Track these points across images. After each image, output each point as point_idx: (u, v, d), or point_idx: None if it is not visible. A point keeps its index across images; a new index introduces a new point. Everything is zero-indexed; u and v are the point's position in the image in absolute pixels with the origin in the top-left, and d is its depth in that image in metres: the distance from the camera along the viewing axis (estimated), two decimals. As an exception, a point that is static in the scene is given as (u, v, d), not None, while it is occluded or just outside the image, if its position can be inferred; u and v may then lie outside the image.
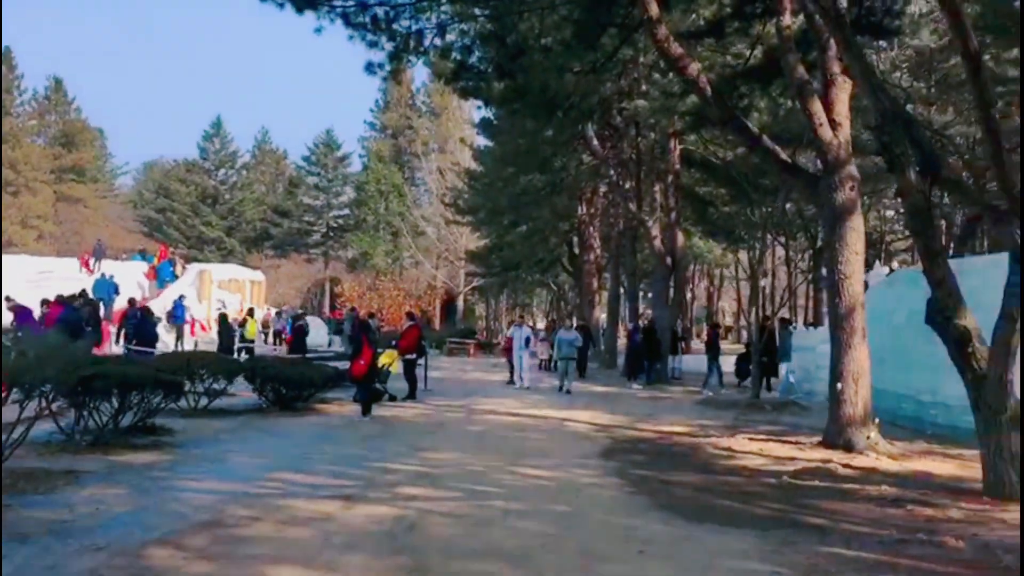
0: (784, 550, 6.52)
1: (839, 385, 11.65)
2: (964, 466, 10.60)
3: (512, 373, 22.57)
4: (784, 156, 12.46)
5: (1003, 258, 14.23)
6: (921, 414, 14.38)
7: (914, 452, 11.57)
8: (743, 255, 51.98)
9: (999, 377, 8.32)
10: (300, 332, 23.55)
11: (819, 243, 41.45)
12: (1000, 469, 8.41)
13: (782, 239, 41.79)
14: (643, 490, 8.93)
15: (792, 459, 10.87)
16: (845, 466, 10.27)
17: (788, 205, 30.51)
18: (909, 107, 28.81)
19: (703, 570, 6.03)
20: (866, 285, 15.13)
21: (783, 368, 20.79)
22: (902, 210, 53.58)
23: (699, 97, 12.82)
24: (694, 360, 30.21)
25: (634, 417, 15.45)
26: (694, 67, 12.48)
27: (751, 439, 12.54)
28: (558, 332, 23.12)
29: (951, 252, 33.04)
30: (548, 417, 15.31)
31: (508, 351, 23.32)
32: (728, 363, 25.04)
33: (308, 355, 21.74)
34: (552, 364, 26.22)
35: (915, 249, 43.42)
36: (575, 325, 24.86)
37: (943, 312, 8.56)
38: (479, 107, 31.82)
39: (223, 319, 24.68)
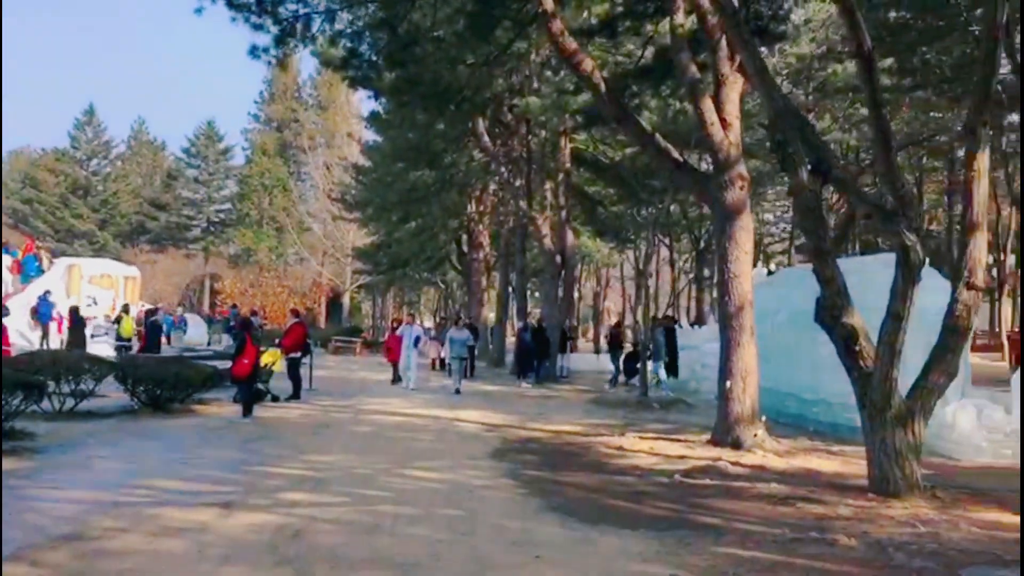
0: (681, 551, 6.40)
1: (728, 383, 11.75)
2: (847, 462, 10.82)
3: (395, 373, 22.16)
4: (676, 155, 12.48)
5: (881, 258, 14.70)
6: (803, 411, 14.71)
7: (799, 449, 11.76)
8: (629, 255, 52.99)
9: (884, 375, 8.46)
10: (153, 329, 22.31)
11: (702, 244, 42.62)
12: (885, 466, 8.55)
13: (667, 240, 42.65)
14: (536, 491, 8.72)
15: (683, 457, 10.87)
16: (734, 464, 10.32)
17: (673, 206, 31.16)
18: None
19: (602, 573, 5.84)
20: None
21: (655, 367, 21.09)
22: (780, 213, 55.58)
23: (593, 93, 12.73)
24: (582, 359, 30.46)
25: (524, 416, 15.29)
26: (588, 63, 12.38)
27: (641, 438, 12.53)
28: (448, 331, 22.50)
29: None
30: (437, 417, 14.99)
31: (390, 351, 22.58)
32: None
33: (186, 353, 20.76)
34: (441, 364, 25.82)
35: (791, 251, 45.00)
36: (464, 323, 24.37)
37: (831, 311, 8.65)
38: (369, 96, 31.16)
39: (74, 312, 23.20)
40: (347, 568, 5.88)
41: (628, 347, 26.11)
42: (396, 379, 21.84)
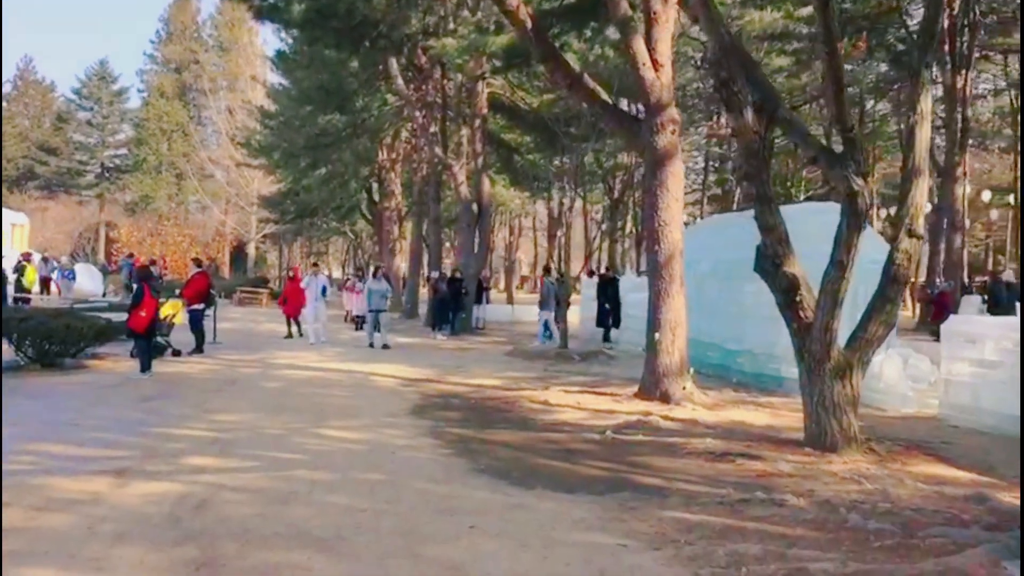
0: (625, 516, 5.96)
1: (657, 335, 11.37)
2: (776, 415, 10.62)
3: (289, 327, 20.88)
4: (605, 96, 11.93)
5: (813, 206, 14.49)
6: (727, 362, 14.53)
7: (727, 402, 11.52)
8: (542, 205, 52.79)
9: (825, 326, 8.15)
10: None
11: (616, 194, 42.45)
12: (822, 419, 8.28)
13: (580, 190, 42.27)
14: (462, 451, 8.17)
15: (611, 412, 10.48)
16: (665, 418, 9.97)
17: (587, 157, 30.72)
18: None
19: (544, 546, 5.32)
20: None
21: (541, 317, 20.82)
22: (691, 164, 55.87)
23: (519, 30, 12.00)
24: (497, 310, 30.00)
25: (442, 370, 14.74)
26: (514, -4, 11.64)
27: (566, 391, 12.09)
28: (367, 281, 20.95)
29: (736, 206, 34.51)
30: (351, 371, 14.30)
31: (287, 302, 20.93)
32: (530, 313, 24.84)
33: (77, 305, 19.44)
34: (354, 318, 24.72)
35: (703, 202, 45.14)
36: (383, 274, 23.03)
37: (773, 259, 8.28)
38: (277, 31, 29.42)
39: None
40: (259, 544, 5.24)
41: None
42: (290, 334, 20.72)
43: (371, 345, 18.59)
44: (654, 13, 11.50)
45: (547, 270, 23.83)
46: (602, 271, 22.86)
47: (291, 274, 22.43)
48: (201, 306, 16.57)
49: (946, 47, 24.26)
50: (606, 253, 47.69)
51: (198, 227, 60.50)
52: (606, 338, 19.88)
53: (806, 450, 8.24)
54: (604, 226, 45.85)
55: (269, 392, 11.97)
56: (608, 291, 20.09)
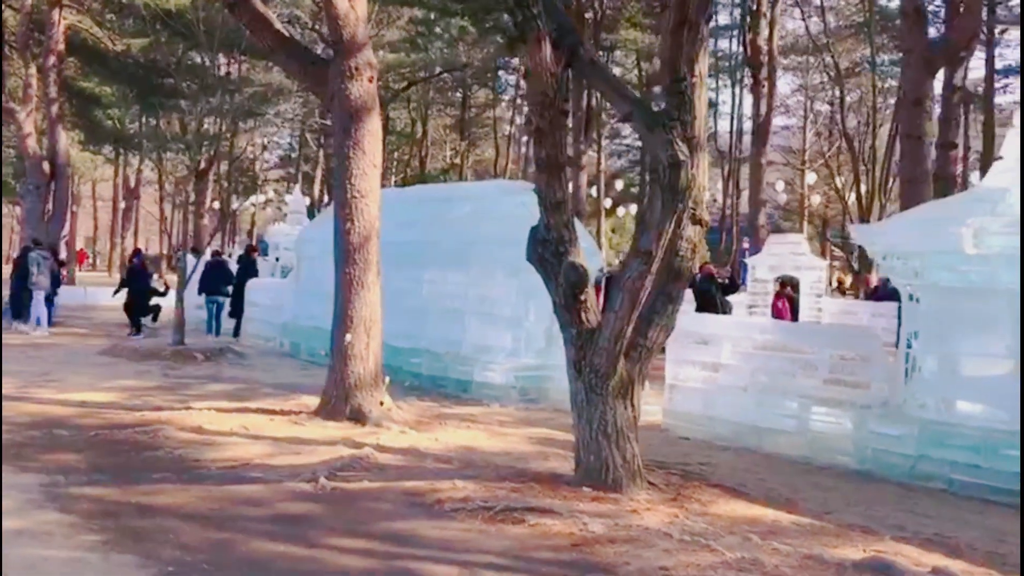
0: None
1: (348, 337, 8.91)
2: (496, 433, 8.85)
3: None
4: (279, 26, 9.17)
5: (504, 185, 12.93)
6: (396, 362, 12.37)
7: (428, 417, 9.45)
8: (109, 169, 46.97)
9: (616, 333, 6.39)
10: None
11: (202, 165, 38.30)
12: (604, 450, 6.54)
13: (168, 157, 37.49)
14: (121, 536, 5.14)
15: (301, 441, 7.88)
16: (380, 448, 7.61)
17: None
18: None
19: None
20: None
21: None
22: (274, 138, 52.74)
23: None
24: (67, 292, 24.83)
25: (24, 379, 10.86)
26: None
27: (219, 410, 9.11)
28: None
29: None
30: None
31: None
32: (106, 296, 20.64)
33: None
34: None
35: (300, 179, 42.54)
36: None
37: (557, 246, 6.35)
38: None
39: None
40: None
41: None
42: None
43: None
44: (345, -73, 8.99)
45: (36, 242, 19.99)
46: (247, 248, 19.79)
47: None
48: None
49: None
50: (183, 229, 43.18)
51: None
52: (236, 332, 16.83)
53: (585, 491, 6.44)
54: (184, 200, 41.41)
55: None
56: (250, 273, 17.20)
